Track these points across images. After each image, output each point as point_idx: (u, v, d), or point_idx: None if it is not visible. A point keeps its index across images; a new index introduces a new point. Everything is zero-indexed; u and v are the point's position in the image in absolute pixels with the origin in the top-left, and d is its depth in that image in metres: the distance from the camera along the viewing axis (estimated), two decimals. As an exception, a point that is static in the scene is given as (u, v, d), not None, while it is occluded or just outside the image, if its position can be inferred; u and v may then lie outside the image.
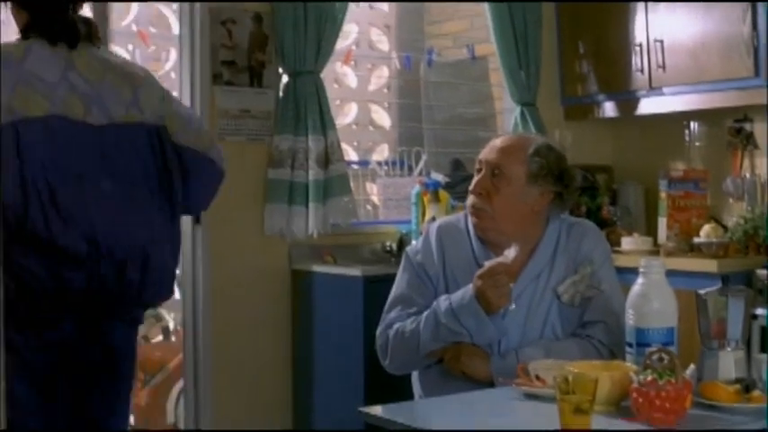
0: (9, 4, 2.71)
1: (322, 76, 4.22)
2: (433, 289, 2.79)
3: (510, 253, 2.58)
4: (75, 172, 2.51)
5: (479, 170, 2.77)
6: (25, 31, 2.63)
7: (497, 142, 2.79)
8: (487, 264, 2.60)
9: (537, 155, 2.72)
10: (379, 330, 2.82)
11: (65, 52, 2.61)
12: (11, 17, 2.72)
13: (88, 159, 2.56)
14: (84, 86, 2.60)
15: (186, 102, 3.99)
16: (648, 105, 4.59)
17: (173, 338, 5.04)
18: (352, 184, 4.29)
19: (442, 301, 2.67)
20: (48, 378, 2.54)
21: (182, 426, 4.87)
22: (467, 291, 2.62)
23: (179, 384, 4.71)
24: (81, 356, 2.60)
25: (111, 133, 2.60)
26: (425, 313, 2.70)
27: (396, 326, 2.76)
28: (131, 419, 4.40)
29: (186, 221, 4.03)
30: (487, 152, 2.77)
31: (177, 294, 5.30)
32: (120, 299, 2.60)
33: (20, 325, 2.43)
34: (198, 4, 4.08)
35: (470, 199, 2.79)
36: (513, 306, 2.63)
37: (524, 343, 2.68)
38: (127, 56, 5.06)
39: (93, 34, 2.70)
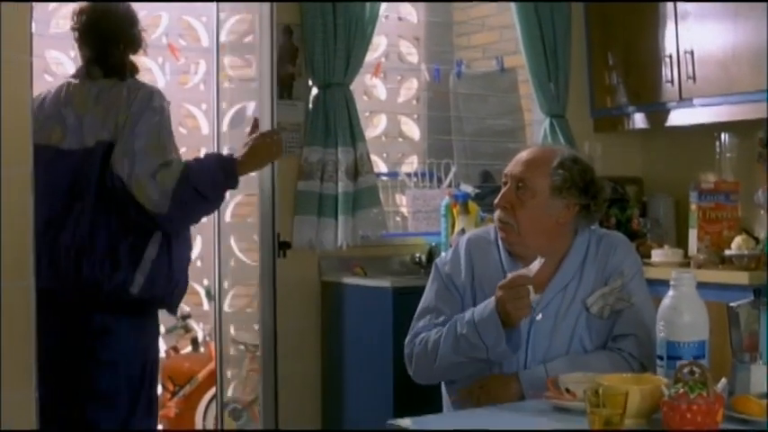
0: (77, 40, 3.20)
1: (351, 88, 4.24)
2: (460, 300, 2.79)
3: (534, 266, 2.56)
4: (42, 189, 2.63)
5: (505, 183, 2.78)
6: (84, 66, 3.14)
7: (523, 155, 2.79)
8: (510, 275, 2.60)
9: (561, 167, 2.73)
10: (406, 340, 2.83)
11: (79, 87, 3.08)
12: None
13: (54, 177, 2.94)
14: (71, 118, 3.03)
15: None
16: (679, 117, 4.57)
17: (201, 349, 5.06)
18: (381, 196, 4.30)
19: (467, 313, 2.67)
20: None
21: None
22: (489, 302, 2.61)
23: (208, 394, 4.73)
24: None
25: (76, 155, 2.99)
26: (448, 324, 2.71)
27: (421, 335, 2.77)
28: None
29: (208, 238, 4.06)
30: (512, 166, 2.78)
31: (206, 305, 5.35)
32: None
33: None
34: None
35: (496, 213, 2.80)
36: (540, 316, 2.64)
37: (551, 354, 2.67)
38: (157, 69, 5.12)
39: (132, 71, 3.15)
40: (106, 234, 2.96)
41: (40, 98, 3.06)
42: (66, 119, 3.03)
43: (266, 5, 3.86)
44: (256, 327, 4.14)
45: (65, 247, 2.94)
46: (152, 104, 3.02)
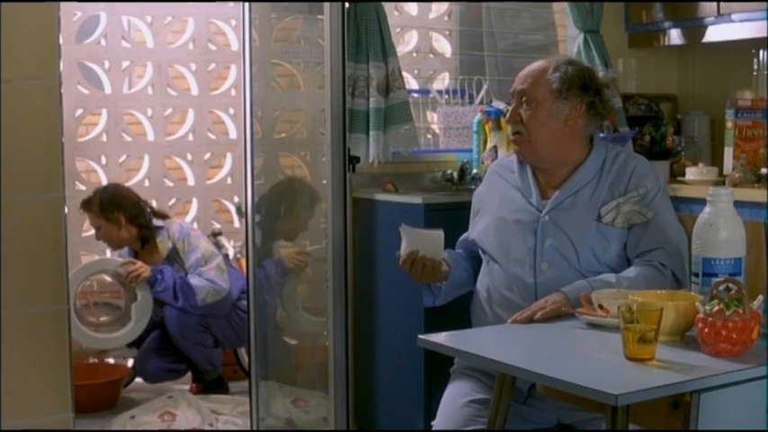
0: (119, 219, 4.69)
1: (382, 2, 4.17)
2: None
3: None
4: None
5: (513, 100, 2.90)
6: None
7: (522, 72, 2.91)
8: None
9: (556, 71, 2.83)
10: None
11: None
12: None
13: None
14: None
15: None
16: (716, 33, 4.47)
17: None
18: (412, 113, 4.26)
19: None
20: None
21: (242, 352, 4.95)
22: None
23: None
24: None
25: None
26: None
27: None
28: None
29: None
30: (516, 82, 2.91)
31: (237, 222, 5.39)
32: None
33: None
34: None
35: (509, 128, 2.94)
36: (547, 218, 2.79)
37: (558, 257, 2.74)
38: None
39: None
40: None
41: None
42: None
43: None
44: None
45: None
46: None
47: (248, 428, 4.11)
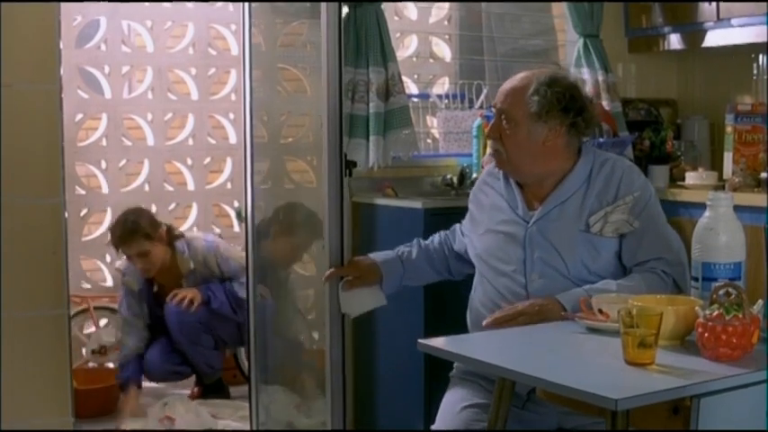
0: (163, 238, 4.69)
1: (382, 7, 4.17)
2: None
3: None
4: None
5: (495, 115, 2.86)
6: None
7: (504, 86, 2.87)
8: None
9: (536, 94, 2.76)
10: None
11: None
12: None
13: None
14: None
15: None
16: (716, 37, 4.47)
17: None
18: (412, 117, 4.26)
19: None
20: None
21: (242, 356, 4.94)
22: None
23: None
24: None
25: None
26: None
27: (416, 240, 3.17)
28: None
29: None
30: (497, 97, 2.87)
31: (236, 227, 5.39)
32: None
33: None
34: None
35: (488, 143, 2.94)
36: (535, 228, 2.79)
37: (548, 268, 2.73)
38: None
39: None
40: None
41: None
42: None
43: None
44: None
45: None
46: None
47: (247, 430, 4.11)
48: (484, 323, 2.68)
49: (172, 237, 4.74)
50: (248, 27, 3.98)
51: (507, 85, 2.84)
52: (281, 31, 4.40)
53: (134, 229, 4.58)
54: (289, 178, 4.54)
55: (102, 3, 4.91)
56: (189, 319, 4.64)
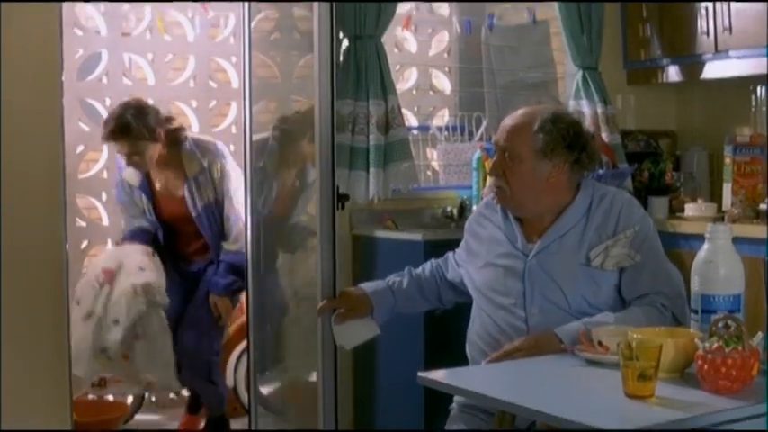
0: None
1: (382, 40, 4.20)
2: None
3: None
4: None
5: (496, 152, 2.85)
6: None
7: (506, 123, 2.85)
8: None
9: (541, 131, 2.76)
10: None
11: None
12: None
13: None
14: None
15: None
16: (714, 69, 4.50)
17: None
18: (412, 150, 4.28)
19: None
20: None
21: (242, 388, 4.92)
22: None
23: (239, 348, 4.74)
24: None
25: None
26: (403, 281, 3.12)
27: (410, 269, 3.16)
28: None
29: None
30: (499, 134, 2.86)
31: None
32: None
33: None
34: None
35: (490, 180, 2.92)
36: (535, 261, 2.77)
37: (547, 302, 2.73)
38: (187, 23, 5.19)
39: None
40: None
41: None
42: None
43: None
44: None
45: None
46: None
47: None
48: (483, 363, 2.68)
49: (176, 137, 4.35)
50: (248, 61, 4.01)
51: (509, 122, 2.83)
52: (296, 64, 4.40)
53: (125, 130, 4.19)
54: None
55: (104, 36, 4.93)
56: (203, 355, 4.43)
